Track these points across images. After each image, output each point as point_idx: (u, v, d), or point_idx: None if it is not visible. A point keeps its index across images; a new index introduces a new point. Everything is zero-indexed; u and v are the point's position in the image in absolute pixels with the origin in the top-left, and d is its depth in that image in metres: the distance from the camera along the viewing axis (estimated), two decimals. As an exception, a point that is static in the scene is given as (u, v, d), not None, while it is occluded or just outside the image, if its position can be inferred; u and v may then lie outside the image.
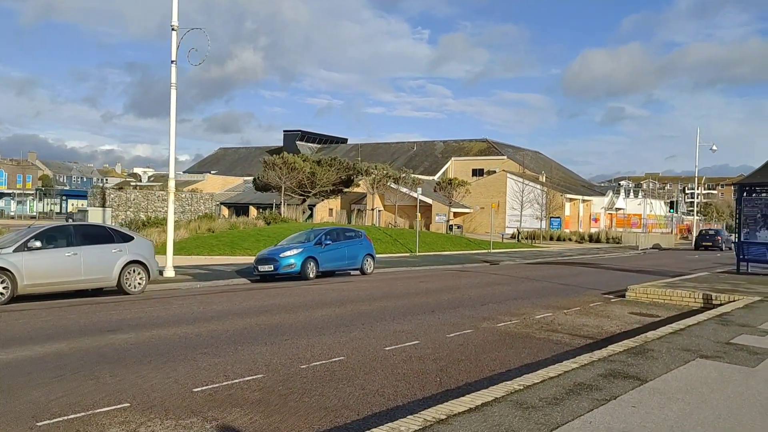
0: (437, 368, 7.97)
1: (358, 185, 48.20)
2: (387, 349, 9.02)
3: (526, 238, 53.94)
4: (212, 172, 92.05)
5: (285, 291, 16.28)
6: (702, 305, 13.97)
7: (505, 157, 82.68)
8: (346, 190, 46.30)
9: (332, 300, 14.45)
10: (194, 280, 17.99)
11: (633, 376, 6.64)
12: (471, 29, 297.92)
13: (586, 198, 72.94)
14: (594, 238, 57.49)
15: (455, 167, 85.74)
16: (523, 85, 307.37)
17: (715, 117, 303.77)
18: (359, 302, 14.00)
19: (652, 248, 51.13)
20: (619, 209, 76.98)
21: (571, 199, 68.99)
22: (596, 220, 73.11)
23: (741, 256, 19.77)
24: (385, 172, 47.50)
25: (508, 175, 66.59)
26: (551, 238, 56.45)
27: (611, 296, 15.76)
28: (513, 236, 54.70)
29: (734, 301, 13.42)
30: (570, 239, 57.33)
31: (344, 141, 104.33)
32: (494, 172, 73.88)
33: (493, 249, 38.49)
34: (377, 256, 29.28)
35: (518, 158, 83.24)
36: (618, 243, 55.31)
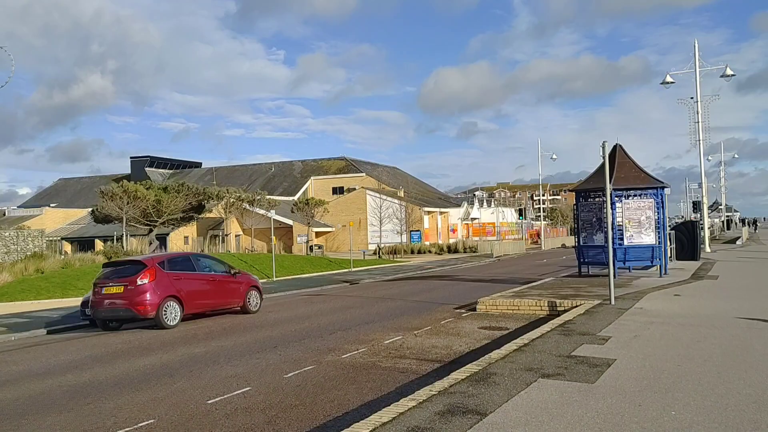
0: (265, 420, 6.98)
1: (211, 211, 45.93)
2: (210, 402, 7.88)
3: (389, 254, 54.25)
4: (51, 205, 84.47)
5: (116, 339, 14.49)
6: (548, 313, 14.07)
7: (363, 174, 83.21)
8: (198, 216, 43.90)
9: (162, 343, 12.96)
10: (9, 332, 15.62)
11: (472, 409, 6.06)
12: (327, 49, 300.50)
13: (443, 210, 75.05)
14: (452, 249, 59.02)
15: (315, 186, 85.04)
16: (381, 102, 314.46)
17: (556, 128, 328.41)
18: (194, 344, 12.64)
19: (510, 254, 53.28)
20: (475, 219, 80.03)
21: (429, 212, 70.57)
22: (454, 230, 75.42)
23: (581, 260, 20.56)
24: (238, 195, 45.65)
25: (367, 191, 66.89)
26: (412, 252, 57.21)
27: (463, 311, 15.57)
28: (375, 252, 54.75)
29: (576, 306, 13.62)
30: (430, 251, 58.46)
31: (198, 165, 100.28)
32: (354, 189, 73.99)
33: (353, 267, 37.99)
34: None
35: (376, 174, 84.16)
36: (474, 252, 57.14)
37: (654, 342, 9.36)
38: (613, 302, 13.39)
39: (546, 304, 14.34)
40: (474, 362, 8.24)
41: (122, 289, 14.88)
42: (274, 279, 30.99)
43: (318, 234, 65.25)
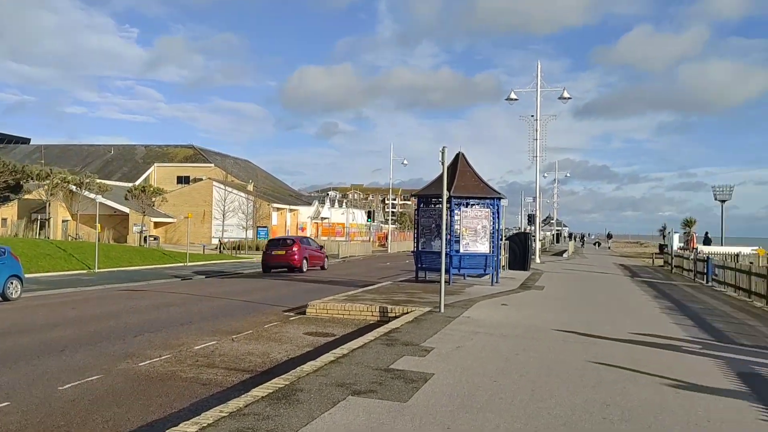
0: (10, 448, 5.65)
1: (30, 192, 41.27)
2: (-54, 422, 6.36)
3: (233, 249, 52.10)
4: None
5: None
6: (378, 319, 13.61)
7: (212, 164, 79.78)
8: (15, 197, 39.22)
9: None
10: None
11: (263, 436, 5.21)
12: (186, 33, 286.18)
13: (293, 207, 73.80)
14: (299, 248, 57.96)
15: (159, 174, 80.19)
16: (240, 94, 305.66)
17: (412, 135, 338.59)
18: (-34, 344, 10.65)
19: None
20: (325, 218, 79.63)
21: (278, 209, 69.02)
22: (303, 229, 74.43)
23: (419, 265, 20.53)
24: (63, 176, 41.41)
25: (214, 183, 64.02)
26: (258, 248, 55.41)
27: (292, 314, 14.71)
28: (217, 247, 52.35)
29: (407, 313, 13.28)
30: (276, 249, 56.96)
31: (26, 141, 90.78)
32: (201, 179, 70.61)
33: (190, 262, 35.79)
34: (38, 275, 24.72)
35: (226, 166, 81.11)
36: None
37: (475, 354, 9.08)
38: (442, 310, 13.20)
39: (377, 310, 13.87)
40: (283, 375, 7.40)
41: None
42: (96, 271, 28.21)
43: (158, 225, 61.38)
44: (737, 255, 36.74)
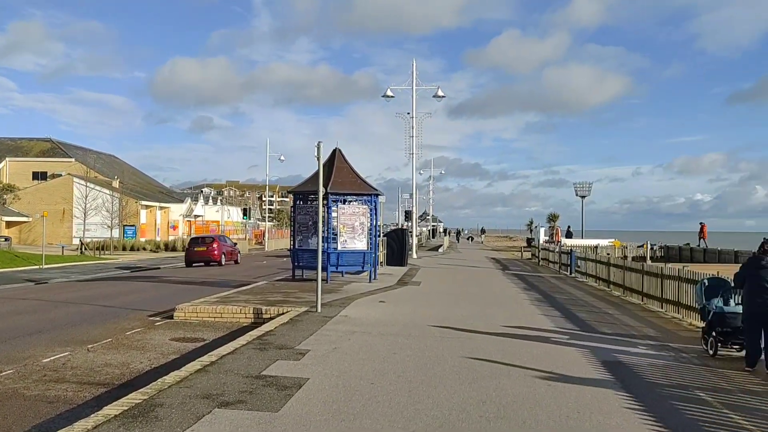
0: None
1: None
2: None
3: (96, 249, 48.67)
4: None
5: None
6: (252, 321, 13.03)
7: (73, 159, 74.18)
8: None
9: None
10: None
11: (113, 463, 4.60)
12: (44, 19, 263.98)
13: (163, 205, 70.32)
14: (170, 247, 55.33)
15: (12, 169, 73.55)
16: (106, 85, 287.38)
17: (290, 132, 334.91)
18: None
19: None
20: (198, 216, 76.62)
21: (147, 206, 65.48)
22: (175, 227, 71.23)
23: (296, 263, 20.05)
24: None
25: (75, 179, 59.55)
26: (125, 248, 52.21)
27: (159, 318, 13.75)
28: (78, 248, 48.72)
29: (283, 314, 12.81)
30: (145, 248, 53.98)
31: None
32: (60, 175, 65.52)
33: (46, 264, 32.92)
34: None
35: (89, 161, 75.74)
36: (195, 251, 54.23)
37: (352, 355, 8.82)
38: (319, 310, 12.85)
39: (251, 312, 13.28)
40: (142, 389, 6.73)
41: None
42: (-68, 276, 25.16)
43: (10, 224, 56.30)
44: (596, 247, 39.38)
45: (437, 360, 8.68)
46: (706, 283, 10.03)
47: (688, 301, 13.58)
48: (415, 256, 36.56)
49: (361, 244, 19.44)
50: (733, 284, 9.42)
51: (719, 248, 39.48)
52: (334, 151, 20.38)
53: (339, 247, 19.21)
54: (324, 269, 19.29)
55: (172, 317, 13.56)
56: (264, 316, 13.05)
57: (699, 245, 41.99)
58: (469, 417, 6.09)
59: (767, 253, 8.90)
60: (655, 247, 39.44)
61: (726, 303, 9.37)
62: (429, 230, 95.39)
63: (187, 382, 6.98)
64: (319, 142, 13.07)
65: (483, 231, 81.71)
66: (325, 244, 19.24)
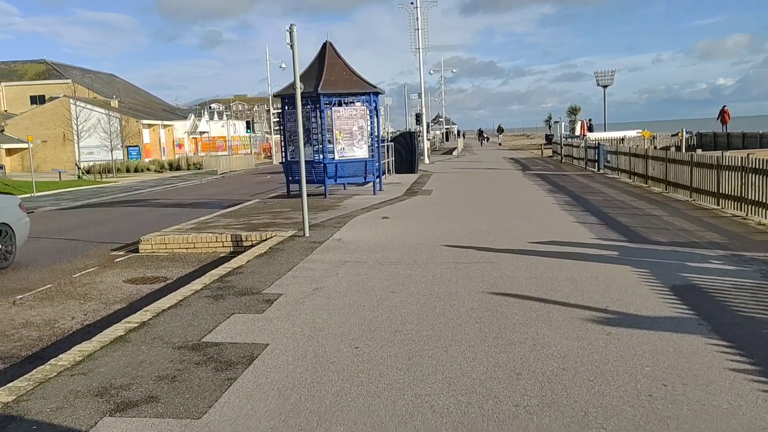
0: None
1: None
2: None
3: (100, 173, 46.78)
4: None
5: None
6: (231, 250, 10.94)
7: (69, 80, 71.01)
8: None
9: None
10: None
11: None
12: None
13: (167, 123, 67.75)
14: (175, 166, 53.33)
15: (9, 95, 71.19)
16: (109, 3, 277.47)
17: (299, 41, 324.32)
18: None
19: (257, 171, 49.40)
20: (204, 133, 74.15)
21: (150, 125, 63.01)
22: (180, 145, 68.96)
23: (290, 177, 17.77)
24: None
25: (72, 100, 56.89)
26: (128, 170, 50.33)
27: (122, 252, 11.67)
28: (85, 172, 46.84)
29: (264, 240, 10.67)
30: (149, 169, 52.03)
31: None
32: (58, 97, 62.88)
33: (38, 192, 31.07)
34: None
35: (87, 82, 72.72)
36: (199, 168, 52.23)
37: (337, 299, 6.66)
38: (307, 233, 10.66)
39: (229, 239, 11.15)
40: (16, 381, 4.63)
41: None
42: None
43: (11, 152, 54.56)
44: (622, 139, 36.56)
45: (450, 300, 6.50)
46: (804, 175, 7.58)
47: (754, 195, 11.16)
48: (427, 161, 34.08)
49: (361, 151, 17.00)
50: None
51: (744, 132, 36.68)
52: (324, 45, 17.58)
53: (336, 157, 16.82)
54: (320, 182, 17.07)
55: (137, 250, 11.49)
56: (244, 244, 10.94)
57: (723, 130, 39.11)
58: (498, 408, 3.93)
59: None
60: (689, 136, 36.49)
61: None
62: (442, 133, 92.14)
63: (89, 364, 4.87)
64: (291, 24, 10.40)
65: (500, 130, 76.87)
66: (321, 154, 16.91)
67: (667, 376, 4.34)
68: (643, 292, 6.56)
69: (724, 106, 40.90)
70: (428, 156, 35.66)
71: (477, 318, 5.84)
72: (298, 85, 10.58)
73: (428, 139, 47.15)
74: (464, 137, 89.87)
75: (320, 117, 16.63)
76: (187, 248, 11.22)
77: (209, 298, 6.75)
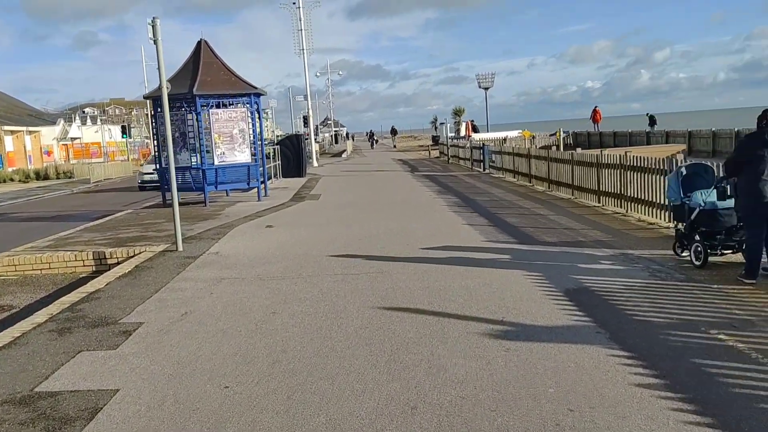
0: None
1: None
2: None
3: (-49, 186, 42.14)
4: None
5: None
6: (94, 269, 9.77)
7: None
8: None
9: None
10: None
11: None
12: None
13: (32, 129, 62.53)
14: (42, 175, 49.20)
15: None
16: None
17: (180, 43, 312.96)
18: None
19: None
20: (76, 139, 69.27)
21: (13, 132, 57.86)
22: (49, 153, 63.91)
23: (165, 186, 16.46)
24: None
25: None
26: (-11, 181, 45.81)
27: (-37, 278, 10.13)
28: (-73, 185, 42.02)
29: (131, 257, 9.59)
30: (13, 179, 47.65)
31: None
32: None
33: None
34: None
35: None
36: (71, 178, 48.49)
37: (209, 325, 5.87)
38: (180, 247, 9.69)
39: (91, 257, 9.95)
40: None
41: None
42: None
43: None
44: (505, 139, 37.60)
45: (337, 318, 5.89)
46: (684, 172, 7.63)
47: (633, 192, 11.42)
48: (315, 164, 33.37)
49: (243, 155, 16.05)
50: (724, 171, 7.04)
51: (614, 131, 39.03)
52: (199, 43, 16.47)
53: (216, 162, 15.76)
54: (200, 189, 15.96)
55: (-20, 275, 9.99)
56: (108, 262, 9.79)
57: (595, 129, 41.38)
58: (391, 455, 3.36)
59: (772, 126, 6.50)
60: (566, 135, 38.11)
61: (722, 197, 7.00)
62: (332, 136, 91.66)
63: None
64: (153, 17, 9.39)
65: (394, 132, 75.88)
66: (199, 160, 15.80)
67: (573, 398, 3.96)
68: (538, 299, 6.27)
69: (596, 107, 43.21)
70: (317, 159, 34.95)
71: (367, 339, 5.28)
72: (165, 85, 9.62)
73: (317, 142, 46.42)
74: (353, 139, 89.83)
75: (197, 120, 15.52)
76: (41, 269, 9.89)
77: (53, 333, 5.74)
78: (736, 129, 26.73)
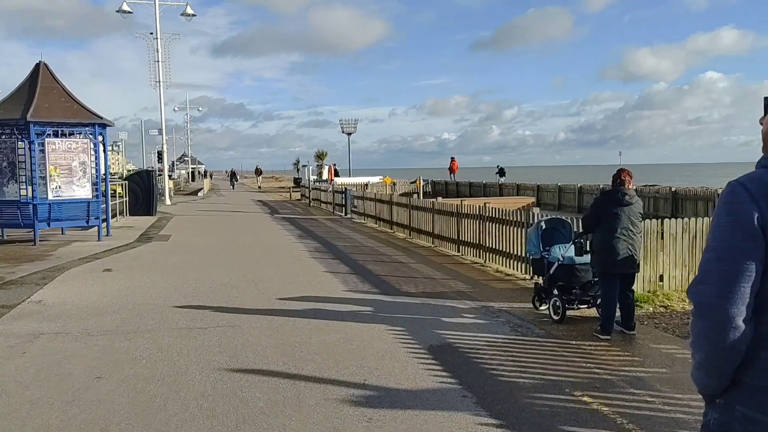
0: None
1: None
2: None
3: None
4: None
5: None
6: None
7: None
8: None
9: None
10: None
11: None
12: None
13: None
14: None
15: None
16: None
17: (24, 67, 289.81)
18: None
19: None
20: None
21: None
22: None
23: (-10, 220, 14.51)
24: None
25: None
26: None
27: None
28: None
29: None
30: None
31: None
32: None
33: None
34: None
35: None
36: None
37: (13, 397, 4.84)
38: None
39: None
40: None
41: None
42: None
43: None
44: (366, 184, 37.92)
45: (177, 384, 5.11)
46: (543, 226, 7.71)
47: (492, 243, 11.58)
48: (168, 202, 31.51)
49: (83, 190, 14.54)
50: (582, 228, 7.16)
51: (470, 181, 40.78)
52: (38, 66, 14.91)
53: (51, 196, 14.13)
54: (29, 226, 14.22)
55: None
56: None
57: (452, 179, 43.13)
58: None
59: (624, 184, 6.71)
60: (425, 183, 39.17)
61: (579, 252, 7.09)
62: (188, 173, 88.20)
63: None
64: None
65: (259, 172, 72.91)
66: (30, 193, 14.11)
67: (442, 479, 3.54)
68: (401, 357, 5.88)
69: (453, 158, 45.09)
70: (170, 197, 33.06)
71: (209, 409, 4.57)
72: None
73: (171, 179, 44.12)
74: (212, 178, 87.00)
75: (30, 149, 13.89)
76: None
77: None
78: (579, 185, 28.82)
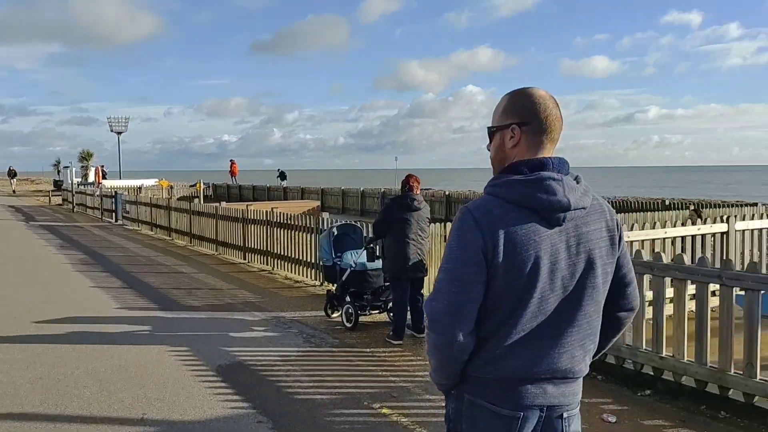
0: None
1: None
2: None
3: None
4: None
5: None
6: None
7: None
8: None
9: None
10: None
11: None
12: None
13: None
14: None
15: None
16: None
17: None
18: None
19: None
20: None
21: None
22: None
23: None
24: None
25: None
26: None
27: None
28: None
29: None
30: None
31: None
32: None
33: None
34: None
35: None
36: None
37: None
38: None
39: None
40: None
41: None
42: None
43: None
44: (140, 188, 35.24)
45: None
46: (335, 232, 7.57)
47: (280, 249, 11.26)
48: None
49: None
50: (373, 233, 7.14)
51: (254, 185, 39.95)
52: None
53: None
54: None
55: None
56: None
57: (233, 182, 42.08)
58: None
59: (412, 190, 6.83)
60: (206, 186, 37.48)
61: (371, 258, 7.05)
62: None
63: None
64: None
65: (13, 174, 62.33)
66: None
67: None
68: (186, 382, 5.30)
69: (232, 160, 43.89)
70: None
71: (-63, 476, 3.62)
72: None
73: None
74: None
75: None
76: None
77: None
78: (362, 188, 29.68)
